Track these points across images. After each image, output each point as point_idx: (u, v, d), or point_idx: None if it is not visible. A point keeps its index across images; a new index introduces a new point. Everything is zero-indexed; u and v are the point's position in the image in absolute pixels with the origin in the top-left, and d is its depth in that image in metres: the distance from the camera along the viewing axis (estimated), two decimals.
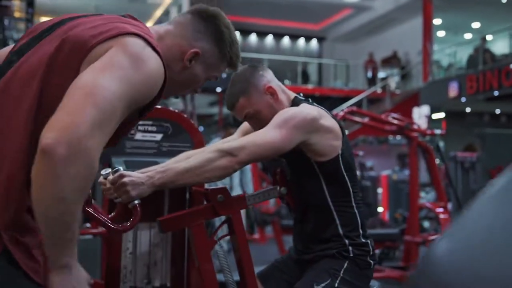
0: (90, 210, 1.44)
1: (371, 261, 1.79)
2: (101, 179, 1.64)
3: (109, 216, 1.63)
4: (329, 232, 1.78)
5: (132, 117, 1.15)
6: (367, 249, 1.78)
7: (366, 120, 5.14)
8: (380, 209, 8.27)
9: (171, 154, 2.10)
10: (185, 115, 2.16)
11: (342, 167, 1.77)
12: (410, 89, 15.63)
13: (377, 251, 4.37)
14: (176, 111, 2.16)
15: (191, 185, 1.64)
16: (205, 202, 1.75)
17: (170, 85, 1.23)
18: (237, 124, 3.52)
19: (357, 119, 5.21)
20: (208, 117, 18.45)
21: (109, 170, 1.60)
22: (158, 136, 2.09)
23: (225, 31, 1.34)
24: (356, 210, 1.80)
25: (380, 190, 9.50)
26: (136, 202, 1.51)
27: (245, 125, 2.00)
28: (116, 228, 1.47)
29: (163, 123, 2.10)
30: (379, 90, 15.79)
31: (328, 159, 1.74)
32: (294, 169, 1.81)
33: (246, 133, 1.96)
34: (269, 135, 1.64)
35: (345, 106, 13.42)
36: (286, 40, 19.76)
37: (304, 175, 1.79)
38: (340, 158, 1.76)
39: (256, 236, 7.03)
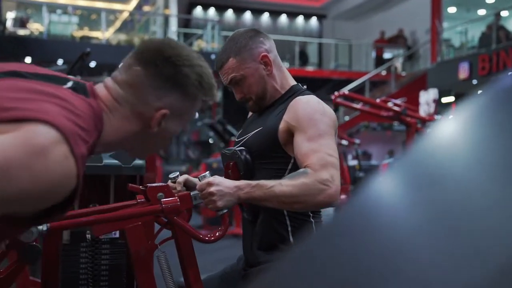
0: (178, 219, 1.54)
1: None
2: (169, 182, 1.64)
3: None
4: (279, 237, 1.71)
5: (23, 218, 0.96)
6: None
7: (360, 105, 5.04)
8: None
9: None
10: None
11: None
12: (417, 71, 15.49)
13: None
14: None
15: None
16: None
17: (145, 148, 1.17)
18: None
19: (353, 104, 5.11)
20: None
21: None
22: None
23: (187, 71, 1.15)
24: (312, 220, 1.73)
25: None
26: (225, 211, 1.54)
27: None
28: (208, 239, 1.54)
29: None
30: (383, 72, 15.65)
31: None
32: (257, 161, 1.72)
33: None
34: (331, 147, 1.59)
35: (347, 89, 13.35)
36: (283, 18, 19.56)
37: (267, 169, 1.70)
38: None
39: (235, 229, 6.95)
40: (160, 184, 1.61)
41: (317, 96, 1.74)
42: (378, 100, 4.99)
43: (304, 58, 16.74)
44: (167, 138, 1.22)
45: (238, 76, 1.73)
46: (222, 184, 1.51)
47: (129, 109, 1.13)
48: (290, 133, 1.65)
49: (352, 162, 8.26)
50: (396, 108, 4.84)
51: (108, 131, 1.10)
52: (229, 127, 8.10)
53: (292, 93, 1.76)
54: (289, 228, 1.71)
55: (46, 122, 0.90)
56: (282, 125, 1.67)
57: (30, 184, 0.86)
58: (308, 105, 1.66)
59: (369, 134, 13.46)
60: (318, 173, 1.53)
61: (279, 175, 1.65)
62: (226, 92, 13.53)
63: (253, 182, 1.53)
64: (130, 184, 1.64)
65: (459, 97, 13.67)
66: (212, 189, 1.49)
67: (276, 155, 1.68)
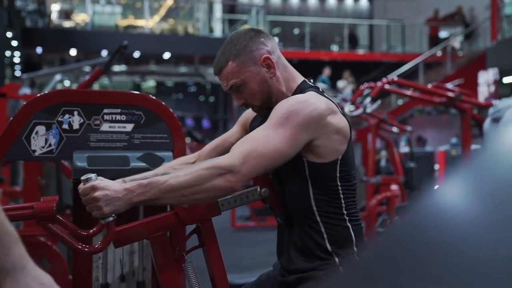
0: (52, 226, 1.38)
1: None
2: (81, 185, 1.48)
3: (91, 231, 1.50)
4: (316, 246, 1.62)
5: None
6: None
7: (410, 91, 4.86)
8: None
9: (145, 146, 1.96)
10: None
11: (337, 174, 1.61)
12: (475, 50, 14.92)
13: None
14: (150, 96, 2.00)
15: (176, 205, 1.50)
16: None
17: None
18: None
19: (403, 91, 4.93)
20: None
21: (91, 175, 1.44)
22: (129, 126, 1.96)
23: None
24: (349, 224, 1.63)
25: (437, 167, 9.17)
26: (110, 218, 1.41)
27: (246, 116, 1.86)
28: (82, 248, 1.41)
29: (134, 111, 1.96)
30: (439, 53, 15.15)
31: (324, 162, 1.58)
32: (281, 169, 1.64)
33: (245, 124, 1.84)
34: (273, 140, 1.47)
35: (399, 72, 13.00)
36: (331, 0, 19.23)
37: (287, 173, 1.62)
38: (339, 164, 1.60)
39: None
40: None
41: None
42: (430, 86, 4.80)
43: (354, 41, 16.39)
44: None
45: (239, 82, 1.64)
46: (109, 187, 1.39)
47: None
48: None
49: (405, 149, 8.03)
50: (449, 94, 4.64)
51: None
52: None
53: (298, 92, 1.67)
54: (325, 236, 1.62)
55: None
56: None
57: None
58: (288, 101, 1.56)
59: (423, 118, 13.11)
60: (227, 159, 1.43)
61: (301, 180, 1.59)
62: None
63: (145, 181, 1.42)
64: None
65: None
66: (97, 193, 1.38)
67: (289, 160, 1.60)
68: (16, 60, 11.98)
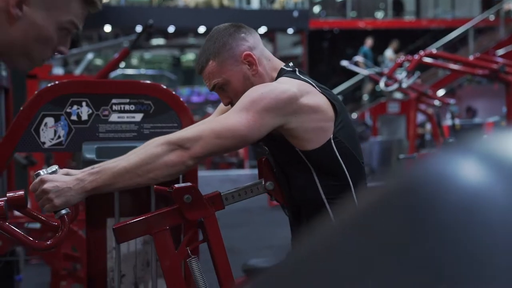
0: (4, 224, 1.38)
1: None
2: None
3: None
4: None
5: None
6: None
7: (450, 64, 4.72)
8: None
9: (155, 136, 1.97)
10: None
11: (337, 154, 1.58)
12: None
13: None
14: (162, 85, 2.01)
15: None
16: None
17: (16, 47, 1.02)
18: None
19: (444, 64, 4.79)
20: (292, 58, 18.18)
21: (55, 167, 1.48)
22: (138, 116, 1.98)
23: None
24: None
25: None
26: (63, 212, 1.42)
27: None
28: (35, 244, 1.42)
29: (143, 100, 1.98)
30: (491, 17, 14.60)
31: (317, 147, 1.56)
32: (277, 158, 1.63)
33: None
34: (232, 121, 1.48)
35: (448, 39, 12.62)
36: None
37: (289, 166, 1.61)
38: (333, 143, 1.57)
39: None
40: (187, 184, 1.57)
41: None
42: (471, 57, 4.64)
43: (398, 7, 15.97)
44: (38, 37, 1.03)
45: (221, 81, 1.63)
46: (58, 179, 1.40)
47: None
48: None
49: (449, 122, 7.83)
50: (493, 66, 4.47)
51: None
52: None
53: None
54: None
55: None
56: None
57: None
58: (256, 87, 1.56)
59: (473, 88, 12.73)
60: (177, 134, 1.48)
61: (305, 171, 1.58)
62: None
63: (97, 169, 1.44)
64: (155, 186, 1.62)
65: None
66: (46, 186, 1.37)
67: (285, 149, 1.59)
68: None
